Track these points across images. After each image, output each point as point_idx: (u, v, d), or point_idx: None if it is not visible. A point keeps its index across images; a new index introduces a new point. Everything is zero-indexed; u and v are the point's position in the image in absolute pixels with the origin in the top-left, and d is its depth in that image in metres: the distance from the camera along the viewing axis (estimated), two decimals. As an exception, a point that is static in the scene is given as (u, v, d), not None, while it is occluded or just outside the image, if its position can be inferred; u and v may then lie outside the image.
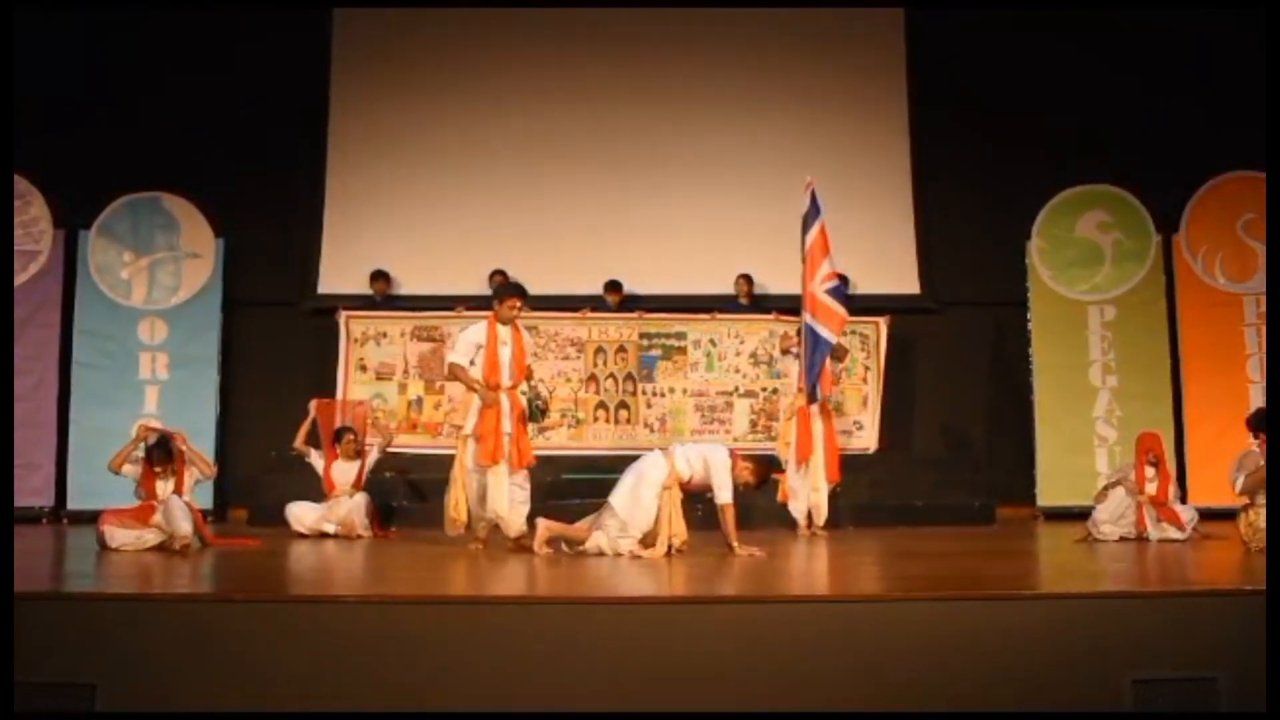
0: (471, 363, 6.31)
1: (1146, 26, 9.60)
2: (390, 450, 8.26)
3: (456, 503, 6.29)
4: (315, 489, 7.70)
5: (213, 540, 6.56)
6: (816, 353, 7.45)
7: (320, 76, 10.03)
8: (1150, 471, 6.95)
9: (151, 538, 6.25)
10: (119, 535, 6.20)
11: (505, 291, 6.55)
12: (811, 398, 7.52)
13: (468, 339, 6.35)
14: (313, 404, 8.27)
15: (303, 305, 9.75)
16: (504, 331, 6.36)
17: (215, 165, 9.57)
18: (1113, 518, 6.90)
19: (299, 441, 7.95)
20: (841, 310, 7.54)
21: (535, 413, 6.43)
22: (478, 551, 6.19)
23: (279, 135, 9.75)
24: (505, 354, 6.30)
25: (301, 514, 7.49)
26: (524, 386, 6.42)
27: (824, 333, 7.45)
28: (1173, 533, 6.71)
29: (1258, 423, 6.24)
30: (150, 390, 9.19)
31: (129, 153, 9.54)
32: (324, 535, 7.39)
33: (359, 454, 7.74)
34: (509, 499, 6.23)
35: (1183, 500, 7.46)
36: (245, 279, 9.62)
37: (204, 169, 9.54)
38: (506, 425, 6.26)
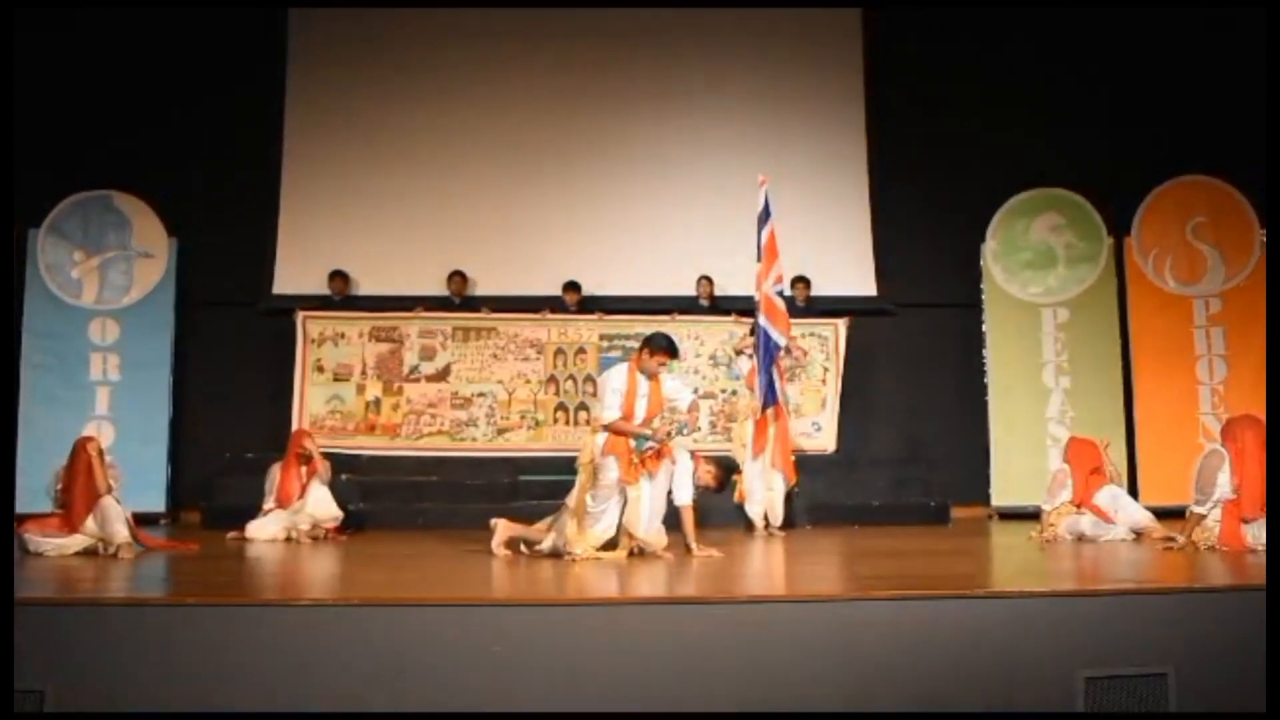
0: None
1: (1102, 30, 9.76)
2: (348, 451, 8.16)
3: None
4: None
5: (150, 544, 6.44)
6: (766, 354, 7.51)
7: (276, 75, 9.92)
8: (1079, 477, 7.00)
9: (75, 544, 6.14)
10: (42, 543, 6.10)
11: (653, 345, 5.97)
12: (765, 401, 7.53)
13: (612, 389, 5.89)
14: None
15: (259, 305, 9.62)
16: (644, 384, 5.95)
17: (169, 164, 9.46)
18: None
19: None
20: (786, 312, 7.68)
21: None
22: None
23: (234, 134, 9.63)
24: (641, 406, 5.89)
25: (261, 530, 7.20)
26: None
27: (774, 334, 7.53)
28: (1119, 531, 6.78)
29: None
30: (101, 391, 9.06)
31: (80, 151, 9.40)
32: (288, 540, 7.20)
33: (309, 460, 7.58)
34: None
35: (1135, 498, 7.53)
36: (199, 279, 9.51)
37: (157, 167, 9.43)
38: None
